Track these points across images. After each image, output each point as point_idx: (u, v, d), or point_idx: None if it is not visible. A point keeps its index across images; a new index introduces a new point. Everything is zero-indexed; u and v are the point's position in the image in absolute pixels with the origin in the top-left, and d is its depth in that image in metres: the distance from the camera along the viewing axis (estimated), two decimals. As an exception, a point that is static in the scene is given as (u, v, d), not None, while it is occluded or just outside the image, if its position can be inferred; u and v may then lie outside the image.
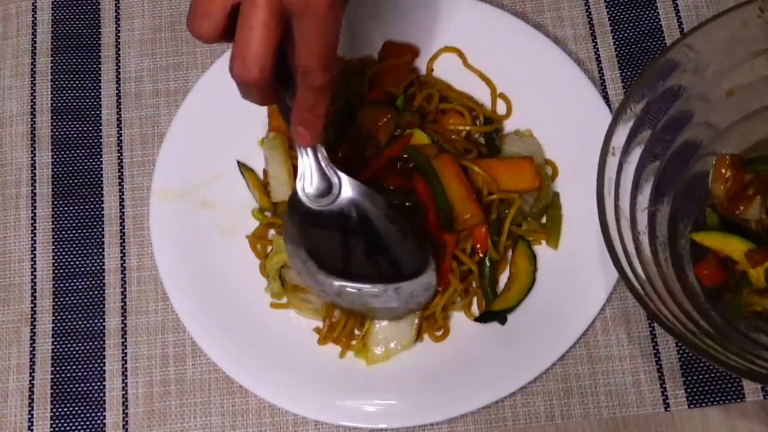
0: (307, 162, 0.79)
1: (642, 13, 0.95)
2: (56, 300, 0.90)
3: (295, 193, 0.81)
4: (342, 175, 0.80)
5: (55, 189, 0.93)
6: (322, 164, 0.80)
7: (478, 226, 0.85)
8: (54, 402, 0.87)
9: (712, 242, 0.80)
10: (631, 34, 0.95)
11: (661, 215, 0.80)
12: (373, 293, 0.83)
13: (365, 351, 0.85)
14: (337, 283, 0.83)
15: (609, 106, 0.91)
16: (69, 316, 0.89)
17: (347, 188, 0.80)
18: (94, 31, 0.98)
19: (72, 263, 0.91)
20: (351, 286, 0.83)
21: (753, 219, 0.80)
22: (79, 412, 0.86)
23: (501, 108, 0.92)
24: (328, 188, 0.80)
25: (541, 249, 0.87)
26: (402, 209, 0.84)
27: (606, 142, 0.75)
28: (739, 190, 0.81)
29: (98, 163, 0.94)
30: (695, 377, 0.84)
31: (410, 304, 0.84)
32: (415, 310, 0.84)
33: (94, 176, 0.93)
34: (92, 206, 0.92)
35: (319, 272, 0.83)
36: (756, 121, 0.82)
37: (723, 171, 0.81)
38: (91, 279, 0.90)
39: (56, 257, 0.91)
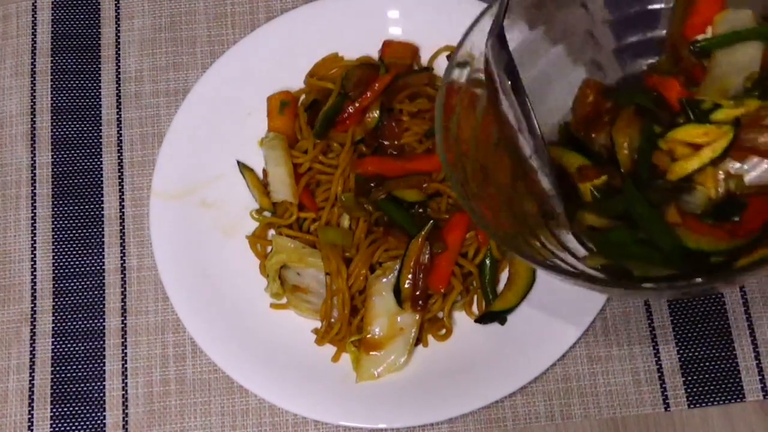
0: None
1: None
2: (56, 300, 0.90)
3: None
4: None
5: (55, 189, 0.93)
6: None
7: None
8: (54, 402, 0.87)
9: (553, 154, 0.80)
10: (631, 33, 0.95)
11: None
12: None
13: (357, 365, 0.85)
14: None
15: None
16: (69, 316, 0.89)
17: None
18: (94, 31, 0.98)
19: (72, 263, 0.91)
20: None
21: (599, 143, 0.80)
22: (79, 412, 0.86)
23: (501, 108, 0.92)
24: None
25: (541, 249, 0.87)
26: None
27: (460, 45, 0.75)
28: (596, 115, 0.81)
29: (98, 163, 0.94)
30: (695, 377, 0.84)
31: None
32: None
33: (94, 176, 0.93)
34: (92, 206, 0.92)
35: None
36: (628, 53, 0.83)
37: (587, 94, 0.82)
38: (91, 279, 0.90)
39: (56, 257, 0.91)
